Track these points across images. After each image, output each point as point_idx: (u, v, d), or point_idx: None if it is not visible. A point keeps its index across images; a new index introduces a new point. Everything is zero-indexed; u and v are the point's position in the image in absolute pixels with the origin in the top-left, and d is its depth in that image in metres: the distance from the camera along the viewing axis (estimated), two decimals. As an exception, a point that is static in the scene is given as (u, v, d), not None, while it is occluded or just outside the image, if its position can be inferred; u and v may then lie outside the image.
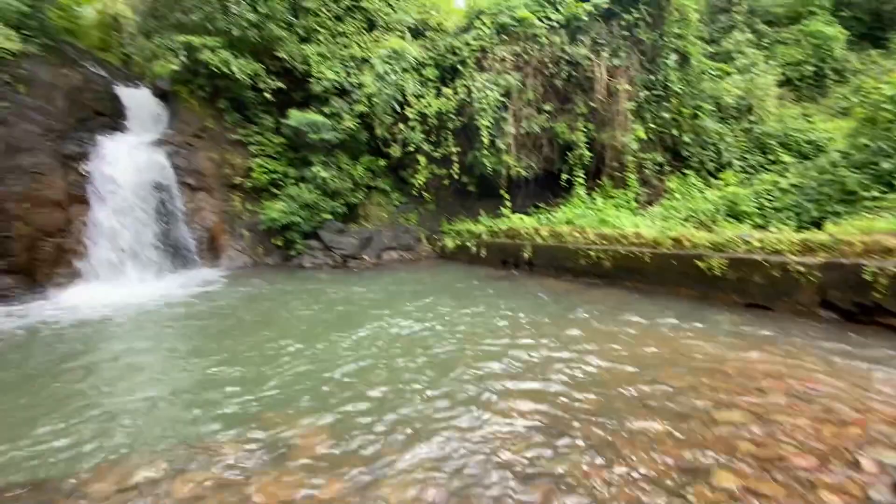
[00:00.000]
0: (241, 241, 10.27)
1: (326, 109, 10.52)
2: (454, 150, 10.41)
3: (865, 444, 2.34)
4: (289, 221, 9.85)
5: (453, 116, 10.18)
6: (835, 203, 6.55)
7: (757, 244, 5.42)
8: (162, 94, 11.23)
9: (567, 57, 9.56)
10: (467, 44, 9.99)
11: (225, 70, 9.54)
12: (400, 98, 10.15)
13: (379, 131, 10.42)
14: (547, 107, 9.91)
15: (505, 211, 10.41)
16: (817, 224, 6.32)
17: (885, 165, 6.25)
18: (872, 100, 6.88)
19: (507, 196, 10.54)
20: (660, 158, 10.23)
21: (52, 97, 8.50)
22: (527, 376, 3.60)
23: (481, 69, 9.89)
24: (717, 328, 4.63)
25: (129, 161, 8.90)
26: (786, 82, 12.35)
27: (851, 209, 6.26)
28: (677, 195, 9.20)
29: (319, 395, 3.45)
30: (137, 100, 10.90)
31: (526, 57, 9.65)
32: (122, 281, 8.18)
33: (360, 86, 10.51)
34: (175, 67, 10.63)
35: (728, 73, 11.43)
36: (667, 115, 9.98)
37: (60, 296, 7.34)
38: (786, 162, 9.24)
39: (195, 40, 9.45)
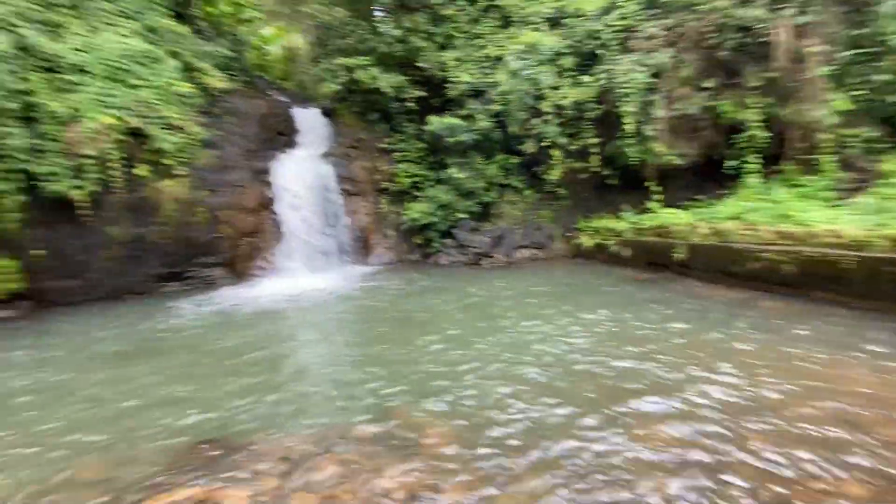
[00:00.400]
0: (387, 239, 11.25)
1: (462, 112, 10.83)
2: (593, 141, 9.74)
3: None
4: (427, 221, 10.43)
5: (592, 105, 9.51)
6: None
7: None
8: (326, 112, 12.94)
9: (736, 22, 8.10)
10: (608, 25, 9.21)
11: (374, 85, 10.52)
12: (534, 92, 9.88)
13: (512, 128, 10.32)
14: (708, 83, 8.55)
15: (653, 205, 9.34)
16: None
17: None
18: None
19: (656, 188, 9.45)
20: (870, 133, 7.98)
21: (248, 123, 10.48)
22: (676, 406, 3.14)
23: (625, 51, 9.02)
24: (966, 362, 3.40)
25: (301, 172, 10.48)
26: None
27: None
28: (898, 180, 7.05)
29: (452, 394, 3.54)
30: (308, 119, 12.77)
31: (681, 30, 8.47)
32: (296, 274, 9.68)
33: (495, 84, 10.55)
34: (336, 87, 12.14)
35: None
36: (881, 78, 7.72)
37: (252, 286, 9.02)
38: None
39: (350, 62, 10.63)
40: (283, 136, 11.48)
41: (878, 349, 3.79)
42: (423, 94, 11.18)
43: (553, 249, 10.29)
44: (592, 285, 7.23)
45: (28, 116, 7.46)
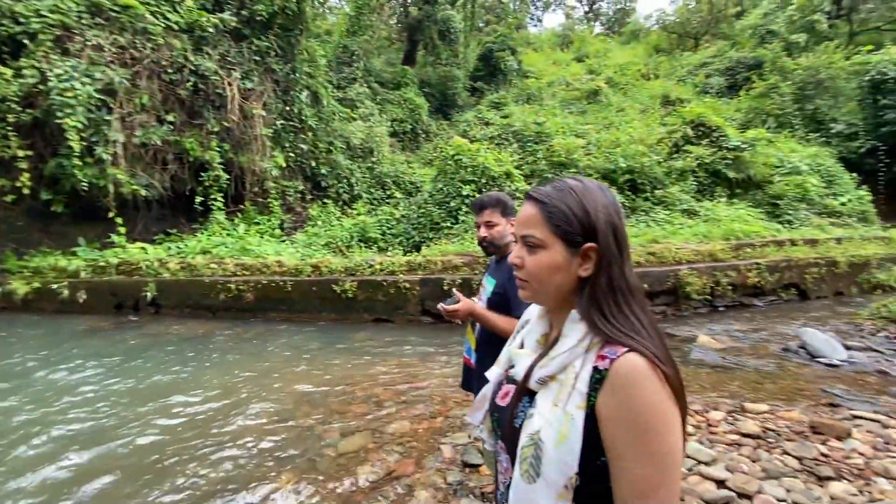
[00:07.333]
0: None
1: None
2: (22, 153, 7.33)
3: (447, 431, 2.94)
4: None
5: (16, 106, 7.16)
6: (427, 231, 8.52)
7: (378, 267, 6.32)
8: None
9: (192, 66, 8.52)
10: (39, 14, 7.27)
11: None
12: None
13: None
14: (170, 117, 8.47)
15: (118, 239, 8.15)
16: (418, 248, 8.05)
17: (452, 204, 8.64)
18: (442, 156, 9.44)
19: (120, 220, 8.31)
20: (301, 186, 10.62)
21: None
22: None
23: (64, 53, 7.42)
24: (351, 346, 5.03)
25: None
26: (393, 134, 15.44)
27: (437, 235, 8.30)
28: (319, 222, 9.76)
29: None
30: None
31: (136, 53, 7.94)
32: None
33: None
34: None
35: (353, 118, 13.23)
36: (304, 147, 10.49)
37: None
38: (398, 197, 11.47)
39: None
40: None
41: (310, 347, 4.96)
42: None
43: (-50, 304, 6.81)
44: (33, 347, 5.29)
45: None
